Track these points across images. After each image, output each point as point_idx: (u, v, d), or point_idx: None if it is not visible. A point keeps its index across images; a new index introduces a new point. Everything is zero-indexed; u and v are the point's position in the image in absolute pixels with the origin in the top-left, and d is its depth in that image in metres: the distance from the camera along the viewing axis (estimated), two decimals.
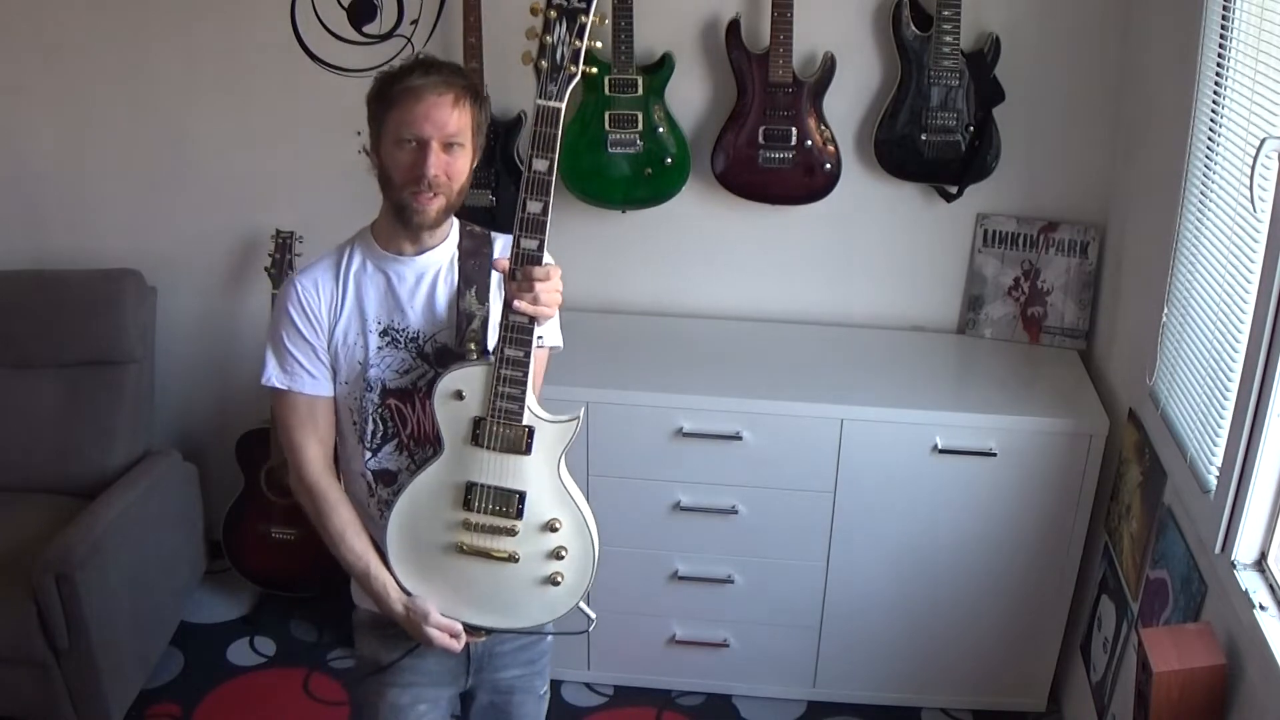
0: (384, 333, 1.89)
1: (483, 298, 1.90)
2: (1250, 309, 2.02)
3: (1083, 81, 2.90)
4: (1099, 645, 2.70)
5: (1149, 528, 2.45)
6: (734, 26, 2.84)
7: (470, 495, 1.86)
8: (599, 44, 1.77)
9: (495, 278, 1.91)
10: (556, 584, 1.91)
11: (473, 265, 1.91)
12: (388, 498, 1.93)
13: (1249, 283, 2.03)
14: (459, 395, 1.82)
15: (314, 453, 1.92)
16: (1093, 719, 2.66)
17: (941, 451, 2.70)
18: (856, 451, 2.74)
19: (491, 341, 1.89)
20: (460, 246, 1.93)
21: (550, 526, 1.88)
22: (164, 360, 3.31)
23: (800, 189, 2.95)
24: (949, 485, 2.75)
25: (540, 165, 1.73)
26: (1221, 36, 2.18)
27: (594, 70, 1.82)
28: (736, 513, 2.83)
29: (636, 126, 2.89)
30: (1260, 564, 2.03)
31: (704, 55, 2.95)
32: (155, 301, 3.21)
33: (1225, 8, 2.16)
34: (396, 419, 1.92)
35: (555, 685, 2.90)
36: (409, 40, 3.01)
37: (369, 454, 1.93)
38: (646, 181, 2.96)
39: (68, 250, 3.28)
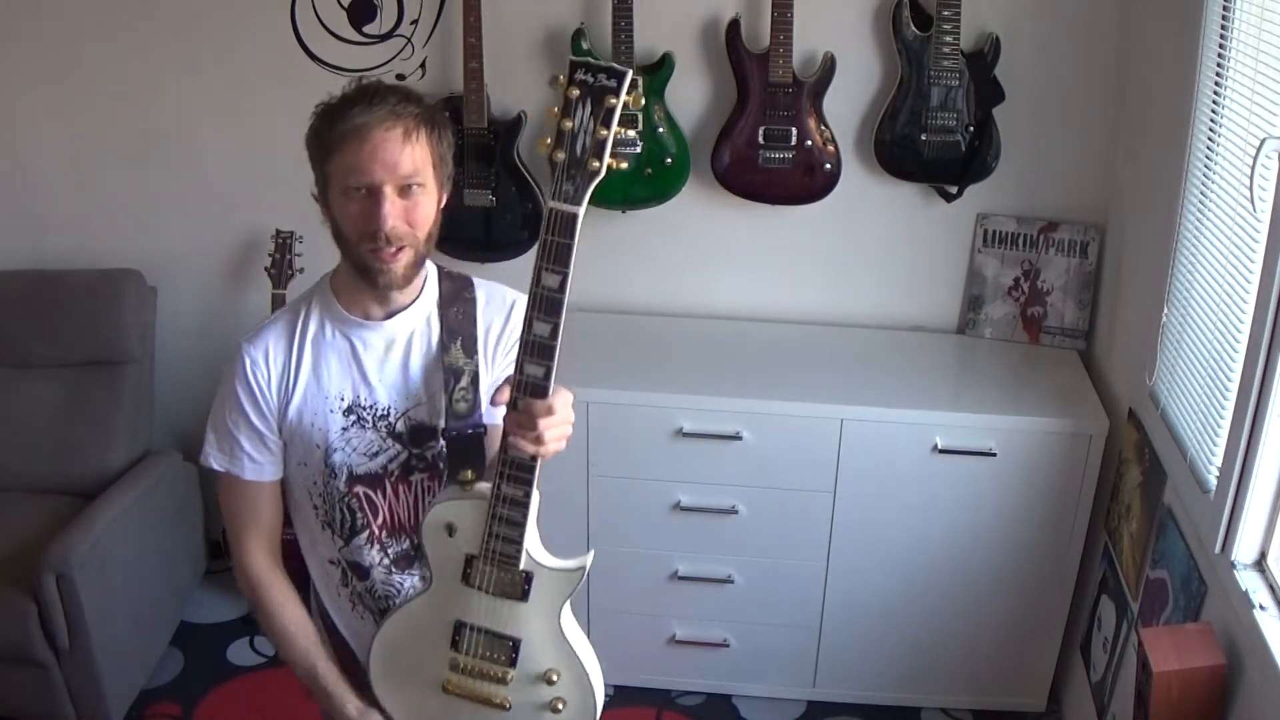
0: (348, 411, 1.68)
1: (469, 350, 1.68)
2: (1250, 309, 2.02)
3: (1083, 81, 2.90)
4: (1099, 645, 2.70)
5: (1149, 528, 2.45)
6: (734, 26, 2.84)
7: (459, 636, 1.67)
8: (632, 132, 1.52)
9: (483, 328, 1.70)
10: None
11: (455, 313, 1.69)
12: (362, 590, 1.79)
13: (1249, 283, 2.03)
14: (450, 529, 1.62)
15: (255, 545, 1.76)
16: (1093, 719, 2.66)
17: (941, 451, 2.70)
18: (856, 451, 2.73)
19: (484, 398, 1.69)
20: (440, 294, 1.71)
21: (547, 679, 1.70)
22: (164, 360, 3.31)
23: (800, 189, 2.95)
24: (949, 485, 2.75)
25: (551, 281, 1.44)
26: (1221, 36, 2.18)
27: (624, 165, 1.51)
28: (736, 513, 2.83)
29: (636, 126, 2.89)
30: (1260, 564, 2.03)
31: (704, 55, 2.95)
32: (155, 301, 3.20)
33: (1225, 8, 2.16)
34: (366, 508, 1.73)
35: None
36: (409, 40, 3.01)
37: (341, 541, 1.76)
38: (646, 181, 2.95)
39: (68, 250, 3.27)
